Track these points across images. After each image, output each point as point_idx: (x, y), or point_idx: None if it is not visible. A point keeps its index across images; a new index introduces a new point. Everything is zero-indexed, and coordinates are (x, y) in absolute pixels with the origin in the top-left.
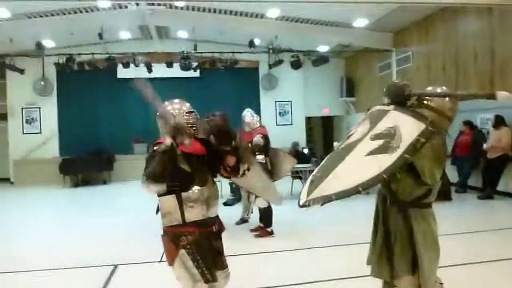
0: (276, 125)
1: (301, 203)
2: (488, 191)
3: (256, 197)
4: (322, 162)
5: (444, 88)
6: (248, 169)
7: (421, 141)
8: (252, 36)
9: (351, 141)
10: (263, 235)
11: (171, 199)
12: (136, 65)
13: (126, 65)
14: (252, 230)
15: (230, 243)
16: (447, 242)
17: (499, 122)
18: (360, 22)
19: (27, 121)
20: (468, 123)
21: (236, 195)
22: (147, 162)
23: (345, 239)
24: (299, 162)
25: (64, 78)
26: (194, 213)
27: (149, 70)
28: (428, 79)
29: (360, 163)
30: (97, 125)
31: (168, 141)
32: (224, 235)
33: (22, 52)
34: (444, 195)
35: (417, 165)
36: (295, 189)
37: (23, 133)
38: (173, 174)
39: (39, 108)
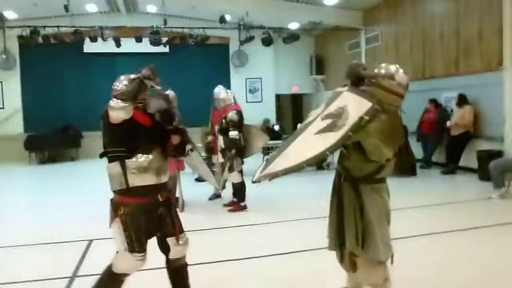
0: (246, 102)
1: (253, 179)
2: (451, 166)
3: (230, 172)
4: (281, 144)
5: (393, 66)
6: (192, 150)
7: (365, 119)
8: (223, 12)
9: (306, 122)
10: (236, 210)
11: (116, 166)
12: (104, 39)
13: (93, 39)
14: (225, 205)
15: (204, 218)
16: (411, 214)
17: (462, 100)
18: (330, 0)
19: None
20: (433, 101)
21: None
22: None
23: (319, 212)
24: (270, 139)
25: (28, 52)
26: (137, 179)
27: (118, 44)
28: (396, 59)
29: (308, 142)
30: (64, 101)
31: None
32: (197, 210)
33: None
34: (410, 170)
35: (363, 143)
36: None
37: None
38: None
39: (1, 82)
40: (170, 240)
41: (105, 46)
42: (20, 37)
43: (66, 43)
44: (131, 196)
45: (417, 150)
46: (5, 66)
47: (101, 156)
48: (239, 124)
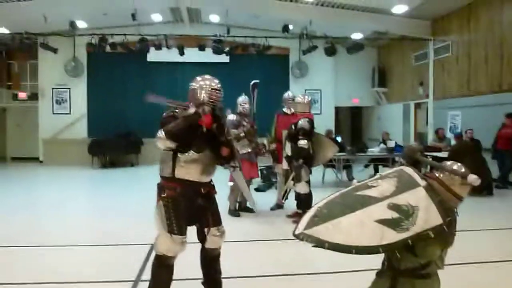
0: None
1: (296, 232)
2: None
3: (296, 182)
4: (331, 197)
5: (461, 167)
6: (239, 168)
7: (430, 235)
8: (286, 21)
9: (369, 194)
10: None
11: (169, 155)
12: (168, 48)
13: (158, 47)
14: (289, 216)
15: (265, 228)
16: (485, 238)
17: None
18: (398, 9)
19: (57, 102)
20: (511, 115)
21: (267, 181)
22: (165, 119)
23: None
24: None
25: (95, 60)
26: (183, 172)
27: (181, 52)
28: (468, 70)
29: (366, 226)
30: (126, 108)
31: (192, 109)
32: (259, 220)
33: (56, 32)
34: (486, 189)
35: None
36: (327, 178)
37: (53, 113)
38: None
39: (69, 89)
40: (210, 230)
41: (168, 55)
42: (89, 45)
43: (132, 52)
44: (176, 182)
45: (493, 168)
46: (73, 73)
47: None
48: (309, 133)
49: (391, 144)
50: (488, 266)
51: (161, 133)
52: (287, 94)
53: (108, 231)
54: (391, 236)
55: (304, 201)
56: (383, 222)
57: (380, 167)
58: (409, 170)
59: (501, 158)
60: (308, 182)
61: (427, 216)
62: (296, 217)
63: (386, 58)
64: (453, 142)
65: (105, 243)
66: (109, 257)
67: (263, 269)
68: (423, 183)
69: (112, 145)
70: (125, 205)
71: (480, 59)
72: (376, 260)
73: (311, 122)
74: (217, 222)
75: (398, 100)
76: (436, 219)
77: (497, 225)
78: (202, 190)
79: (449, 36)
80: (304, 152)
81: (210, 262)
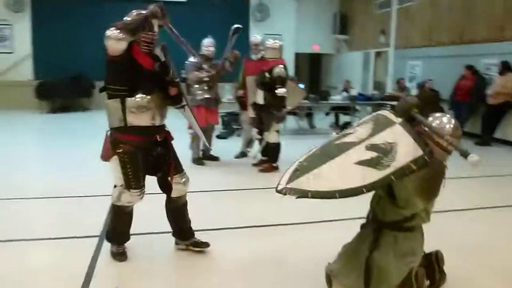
0: None
1: (279, 188)
2: (486, 138)
3: (267, 132)
4: (312, 151)
5: (448, 120)
6: (187, 104)
7: (412, 167)
8: None
9: (347, 140)
10: (268, 170)
11: (116, 103)
12: None
13: None
14: (254, 165)
15: (231, 177)
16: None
17: (505, 68)
18: None
19: None
20: (470, 68)
21: (229, 128)
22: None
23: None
24: None
25: None
26: (136, 119)
27: None
28: (432, 20)
29: (346, 170)
30: (77, 48)
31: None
32: (224, 169)
33: None
34: None
35: (395, 190)
36: (287, 125)
37: None
38: (131, 69)
39: (11, 25)
40: (170, 179)
41: None
42: None
43: None
44: (130, 134)
45: None
46: (15, 7)
47: (101, 90)
48: (285, 80)
49: (354, 92)
50: (454, 214)
51: (112, 32)
52: (255, 38)
53: (68, 183)
54: (373, 175)
55: (273, 150)
56: (363, 163)
57: (341, 115)
58: (385, 112)
59: (458, 109)
60: (278, 131)
61: (406, 150)
62: (262, 165)
63: (349, 4)
64: (413, 92)
65: (65, 195)
66: (69, 211)
67: (230, 220)
68: (398, 120)
69: (62, 88)
70: (80, 153)
71: (445, 9)
72: (355, 209)
73: (286, 68)
74: (179, 169)
75: (359, 48)
76: (415, 150)
77: (457, 174)
78: (158, 137)
79: None
80: (285, 101)
81: (177, 212)
